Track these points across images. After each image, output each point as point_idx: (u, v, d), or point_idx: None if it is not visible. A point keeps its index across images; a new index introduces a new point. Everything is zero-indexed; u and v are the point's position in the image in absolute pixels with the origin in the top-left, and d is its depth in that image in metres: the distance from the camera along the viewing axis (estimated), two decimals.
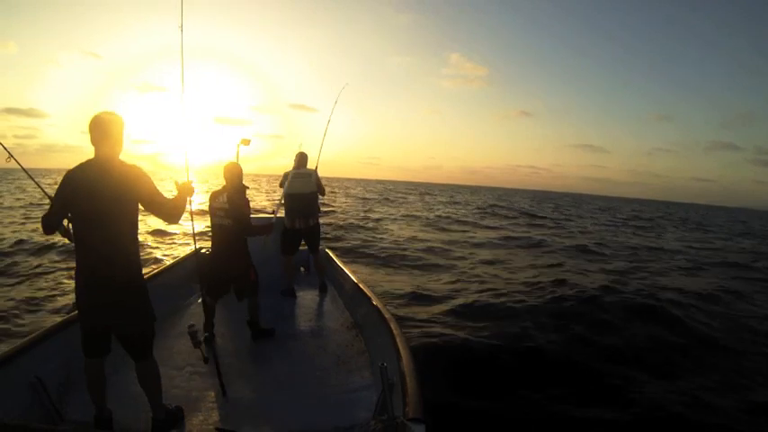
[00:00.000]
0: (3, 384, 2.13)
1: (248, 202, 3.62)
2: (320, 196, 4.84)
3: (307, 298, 4.74)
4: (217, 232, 3.48)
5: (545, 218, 26.85)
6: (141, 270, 2.23)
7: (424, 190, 79.85)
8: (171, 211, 2.22)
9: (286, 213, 4.69)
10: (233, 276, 3.46)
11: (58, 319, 3.58)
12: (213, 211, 3.48)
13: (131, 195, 2.07)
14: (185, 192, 2.32)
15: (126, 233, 2.09)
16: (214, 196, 3.48)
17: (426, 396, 2.01)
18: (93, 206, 2.01)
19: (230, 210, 3.38)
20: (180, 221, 2.36)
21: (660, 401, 3.76)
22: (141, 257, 2.40)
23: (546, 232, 18.17)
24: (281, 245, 4.72)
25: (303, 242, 4.83)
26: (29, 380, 2.28)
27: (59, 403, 2.36)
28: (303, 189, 4.64)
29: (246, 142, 4.21)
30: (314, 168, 4.88)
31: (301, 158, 4.82)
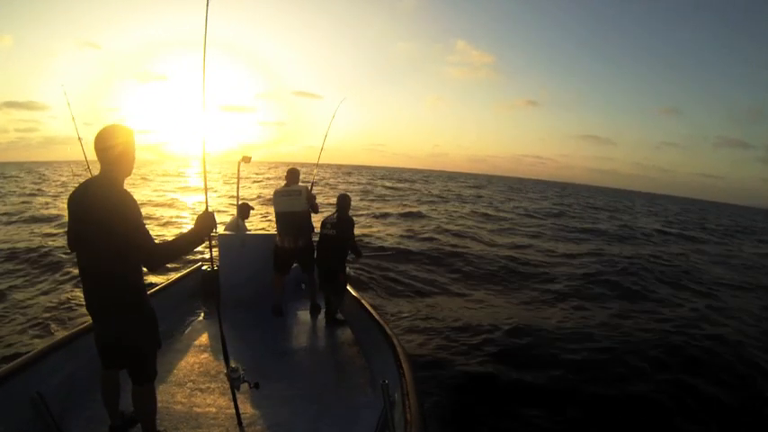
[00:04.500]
0: (4, 400, 2.10)
1: (353, 222, 4.43)
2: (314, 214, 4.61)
3: (307, 314, 4.64)
4: (323, 239, 4.37)
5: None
6: (138, 289, 2.02)
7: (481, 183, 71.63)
8: (154, 257, 1.90)
9: (277, 231, 4.56)
10: (331, 270, 4.28)
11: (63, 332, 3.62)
12: (322, 223, 4.42)
13: (108, 224, 1.83)
14: (203, 230, 2.01)
15: (112, 256, 1.87)
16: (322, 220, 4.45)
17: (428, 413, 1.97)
18: (78, 227, 1.95)
19: (338, 223, 4.33)
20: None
21: None
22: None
23: None
24: (273, 262, 4.59)
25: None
26: (30, 396, 2.25)
27: (61, 419, 2.33)
28: (291, 207, 4.45)
29: (247, 160, 4.18)
30: (307, 185, 4.62)
31: (291, 175, 4.63)
